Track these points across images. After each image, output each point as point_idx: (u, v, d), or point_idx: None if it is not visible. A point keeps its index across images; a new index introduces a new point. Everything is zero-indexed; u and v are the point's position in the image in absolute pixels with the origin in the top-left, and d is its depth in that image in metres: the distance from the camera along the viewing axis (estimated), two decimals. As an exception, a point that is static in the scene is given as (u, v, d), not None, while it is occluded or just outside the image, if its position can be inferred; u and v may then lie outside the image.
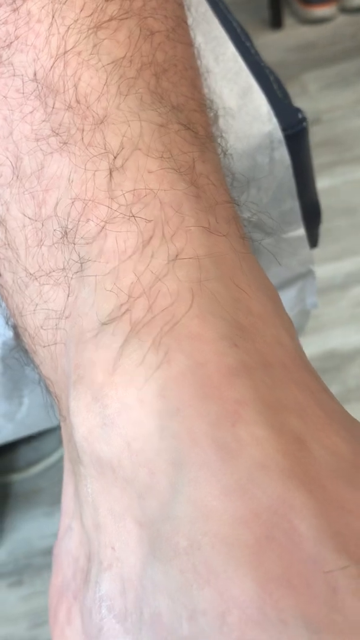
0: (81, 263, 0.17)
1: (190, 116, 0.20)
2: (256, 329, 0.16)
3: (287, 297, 0.30)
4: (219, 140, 0.21)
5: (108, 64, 0.19)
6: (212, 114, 0.22)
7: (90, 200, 0.17)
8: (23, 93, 0.19)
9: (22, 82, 0.19)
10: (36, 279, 0.19)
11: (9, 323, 0.22)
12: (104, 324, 0.16)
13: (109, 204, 0.17)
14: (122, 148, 0.18)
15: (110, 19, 0.20)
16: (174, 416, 0.14)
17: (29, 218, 0.19)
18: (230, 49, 0.27)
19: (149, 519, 0.15)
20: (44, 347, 0.19)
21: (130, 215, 0.17)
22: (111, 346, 0.16)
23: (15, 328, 0.21)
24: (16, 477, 0.92)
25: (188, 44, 0.22)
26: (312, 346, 0.85)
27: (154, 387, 0.15)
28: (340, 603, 0.12)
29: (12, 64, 0.19)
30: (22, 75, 0.19)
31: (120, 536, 0.16)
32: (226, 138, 0.25)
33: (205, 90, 0.25)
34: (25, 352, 0.21)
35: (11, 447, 0.87)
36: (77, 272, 0.17)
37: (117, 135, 0.18)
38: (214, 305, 0.16)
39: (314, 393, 0.15)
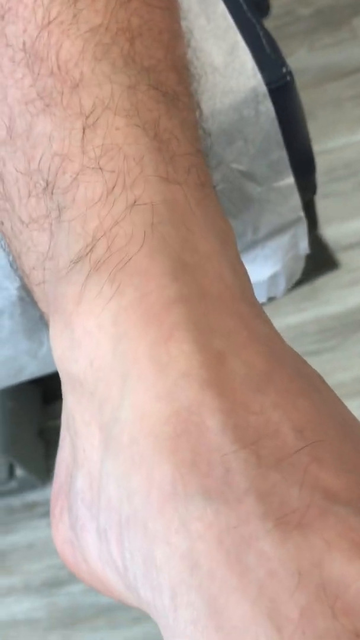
0: (59, 210, 0.20)
1: (161, 77, 0.22)
2: (199, 266, 0.18)
3: (281, 243, 0.32)
4: (193, 96, 0.24)
5: (86, 31, 0.21)
6: (188, 73, 0.24)
7: (66, 155, 0.20)
8: (14, 61, 0.22)
9: (14, 51, 0.22)
10: (27, 225, 0.22)
11: (14, 267, 0.25)
12: (73, 262, 0.19)
13: (81, 158, 0.20)
14: (95, 108, 0.20)
15: None
16: (122, 339, 0.17)
17: (21, 173, 0.22)
18: (220, 7, 0.28)
19: (106, 422, 0.18)
20: (37, 285, 0.22)
21: (98, 167, 0.20)
22: (78, 281, 0.19)
23: (17, 270, 0.24)
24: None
25: (165, 8, 0.23)
26: (354, 297, 0.86)
27: (108, 315, 0.18)
28: (231, 479, 0.14)
29: (5, 35, 0.22)
30: (14, 45, 0.22)
31: (89, 439, 0.19)
32: (207, 94, 0.26)
33: (190, 50, 0.27)
34: (29, 291, 0.25)
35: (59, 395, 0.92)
36: (56, 217, 0.20)
37: (91, 97, 0.21)
38: (162, 245, 0.18)
39: (244, 319, 0.18)
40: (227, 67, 0.27)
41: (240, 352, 0.17)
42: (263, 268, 0.33)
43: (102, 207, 0.19)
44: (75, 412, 0.19)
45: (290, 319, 0.80)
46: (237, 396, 0.16)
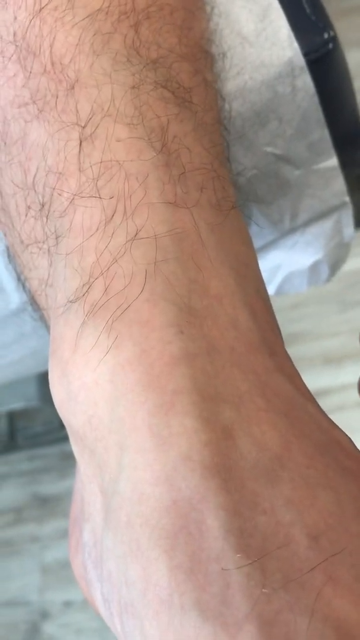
0: (56, 237, 0.18)
1: (171, 70, 0.19)
2: (209, 312, 0.16)
3: (323, 230, 0.28)
4: (212, 87, 0.20)
5: (83, 19, 0.18)
6: (207, 57, 0.21)
7: (61, 173, 0.18)
8: (4, 56, 0.19)
9: (4, 44, 0.19)
10: (27, 247, 0.20)
11: (21, 281, 0.23)
12: (70, 301, 0.17)
13: (77, 177, 0.17)
14: (93, 114, 0.18)
15: None
16: (120, 401, 0.15)
17: (18, 186, 0.19)
18: None
19: (105, 489, 0.16)
20: (42, 309, 0.20)
21: (96, 189, 0.17)
22: (74, 324, 0.17)
23: (25, 287, 0.22)
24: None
25: None
26: None
27: (105, 371, 0.16)
28: (230, 598, 0.13)
29: None
30: (3, 36, 0.19)
31: (92, 496, 0.17)
32: (234, 69, 0.23)
33: (214, 18, 0.23)
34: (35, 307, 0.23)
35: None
36: (54, 245, 0.18)
37: (88, 101, 0.18)
38: (166, 288, 0.16)
39: (259, 376, 0.15)
40: (258, 35, 0.24)
41: (251, 426, 0.14)
42: (304, 255, 0.30)
43: (100, 239, 0.17)
44: (80, 461, 0.18)
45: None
46: (245, 489, 0.13)
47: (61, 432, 0.92)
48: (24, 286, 0.23)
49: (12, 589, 0.90)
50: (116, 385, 0.15)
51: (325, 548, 0.13)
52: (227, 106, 0.22)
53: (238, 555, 0.13)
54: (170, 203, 0.17)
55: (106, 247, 0.16)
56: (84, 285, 0.17)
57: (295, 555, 0.13)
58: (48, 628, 0.87)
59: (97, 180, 0.17)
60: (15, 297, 0.28)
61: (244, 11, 0.24)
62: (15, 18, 0.19)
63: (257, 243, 0.29)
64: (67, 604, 0.87)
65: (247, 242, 0.18)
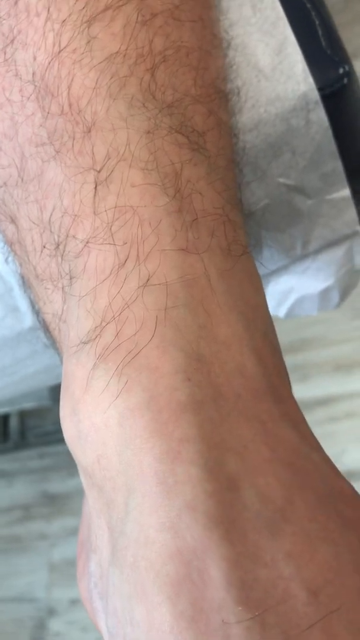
0: (70, 277, 0.18)
1: (186, 113, 0.19)
2: (217, 358, 0.16)
3: (335, 257, 0.28)
4: (227, 126, 0.21)
5: (101, 62, 0.19)
6: (222, 97, 0.21)
7: (77, 215, 0.18)
8: (24, 95, 0.19)
9: (23, 83, 0.19)
10: (41, 280, 0.20)
11: (35, 307, 0.23)
12: (82, 342, 0.17)
13: (92, 220, 0.18)
14: (108, 158, 0.18)
15: (106, 9, 0.19)
16: (129, 445, 0.16)
17: (34, 222, 0.20)
18: (269, -6, 0.24)
19: (113, 527, 0.16)
20: (55, 341, 0.21)
21: (110, 233, 0.17)
22: (86, 365, 0.17)
23: (39, 317, 0.23)
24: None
25: (197, 19, 0.20)
26: None
27: (115, 414, 0.16)
28: None
29: (15, 62, 0.20)
30: (23, 75, 0.19)
31: (99, 530, 0.18)
32: (250, 102, 0.23)
33: (231, 51, 0.23)
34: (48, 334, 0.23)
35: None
36: (68, 285, 0.18)
37: (104, 144, 0.18)
38: (175, 335, 0.16)
39: (265, 424, 0.16)
40: (274, 69, 0.24)
41: (256, 477, 0.15)
42: (315, 281, 0.30)
43: (113, 283, 0.17)
44: (88, 495, 0.18)
45: None
46: (247, 541, 0.14)
47: (71, 431, 0.93)
48: (37, 315, 0.23)
49: (19, 585, 0.91)
50: (125, 429, 0.16)
51: (324, 604, 0.13)
52: (241, 140, 0.23)
53: (239, 607, 0.13)
54: (182, 250, 0.17)
55: (118, 291, 0.17)
56: (96, 327, 0.17)
57: (294, 611, 0.13)
58: (54, 625, 0.88)
59: (112, 225, 0.17)
60: (29, 317, 0.28)
61: (260, 44, 0.24)
62: (35, 58, 0.19)
63: (269, 267, 0.30)
64: (74, 602, 0.88)
65: (257, 285, 0.18)
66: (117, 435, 0.16)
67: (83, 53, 0.19)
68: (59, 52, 0.19)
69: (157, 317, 0.16)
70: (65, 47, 0.19)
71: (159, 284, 0.17)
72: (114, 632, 0.17)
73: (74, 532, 0.91)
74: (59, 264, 0.19)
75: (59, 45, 0.19)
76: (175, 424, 0.15)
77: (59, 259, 0.19)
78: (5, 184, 0.20)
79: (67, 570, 0.90)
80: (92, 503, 0.18)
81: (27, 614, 0.89)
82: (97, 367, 0.17)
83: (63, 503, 0.93)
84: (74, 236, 0.18)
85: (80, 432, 0.17)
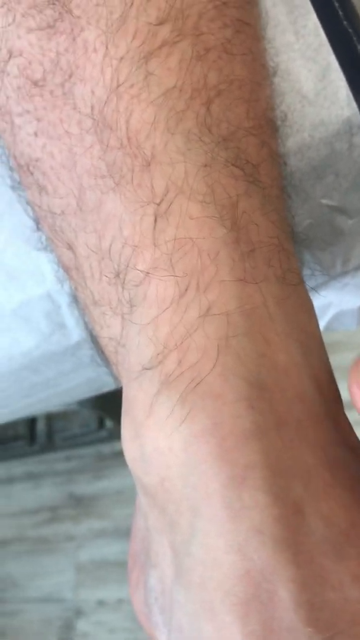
0: (131, 305, 0.19)
1: (240, 146, 0.20)
2: (277, 386, 0.17)
3: (375, 274, 0.29)
4: (278, 156, 0.21)
5: (158, 96, 0.19)
6: (272, 126, 0.22)
7: (137, 246, 0.19)
8: (82, 128, 0.20)
9: (81, 116, 0.20)
10: (99, 306, 0.21)
11: (88, 328, 0.24)
12: (145, 368, 0.18)
13: (152, 251, 0.19)
14: (167, 191, 0.19)
15: (162, 45, 0.20)
16: (194, 470, 0.16)
17: (92, 250, 0.20)
18: (312, 20, 0.25)
19: (177, 548, 0.17)
20: (112, 364, 0.22)
21: (170, 264, 0.18)
22: (148, 391, 0.18)
23: (91, 333, 0.24)
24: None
25: (247, 52, 0.21)
26: None
27: (179, 440, 0.17)
28: None
29: (73, 95, 0.20)
30: (81, 109, 0.20)
31: (161, 548, 0.18)
32: (294, 127, 0.24)
33: (277, 79, 0.24)
34: (102, 355, 0.24)
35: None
36: (128, 312, 0.19)
37: (163, 178, 0.19)
38: (236, 363, 0.17)
39: (326, 450, 0.16)
40: (317, 95, 0.24)
41: (319, 502, 0.15)
42: (353, 297, 0.30)
43: (174, 312, 0.18)
44: (148, 513, 0.19)
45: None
46: (314, 564, 0.15)
47: (97, 434, 0.94)
48: (91, 336, 0.24)
49: (47, 585, 0.92)
50: (189, 455, 0.16)
51: None
52: (288, 167, 0.23)
53: (309, 628, 0.14)
54: (240, 280, 0.18)
55: (180, 320, 0.17)
56: (158, 354, 0.18)
57: None
58: (82, 625, 0.89)
59: (172, 256, 0.18)
60: (75, 333, 0.29)
61: (303, 70, 0.25)
62: (93, 93, 0.20)
63: (309, 284, 0.30)
64: (101, 603, 0.89)
65: (311, 313, 0.19)
66: (182, 460, 0.17)
67: (141, 88, 0.19)
68: (117, 87, 0.20)
69: (218, 345, 0.17)
70: (123, 83, 0.20)
71: (219, 314, 0.17)
72: None
73: (100, 534, 0.93)
74: (119, 292, 0.19)
75: (117, 80, 0.20)
76: (240, 450, 0.16)
77: (120, 287, 0.19)
78: (63, 212, 0.21)
79: (93, 571, 0.91)
80: (152, 522, 0.19)
81: (54, 614, 0.90)
82: (160, 393, 0.17)
83: (89, 505, 0.94)
84: (134, 266, 0.19)
85: (143, 455, 0.18)
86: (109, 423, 0.92)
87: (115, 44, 0.20)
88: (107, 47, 0.20)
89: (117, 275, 0.19)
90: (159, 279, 0.18)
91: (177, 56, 0.20)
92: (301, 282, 0.19)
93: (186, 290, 0.18)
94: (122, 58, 0.20)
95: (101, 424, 0.93)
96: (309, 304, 0.19)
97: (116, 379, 0.23)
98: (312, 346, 0.18)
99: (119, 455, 0.96)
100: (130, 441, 0.18)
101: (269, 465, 0.16)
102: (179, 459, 0.17)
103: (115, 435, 0.95)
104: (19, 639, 0.90)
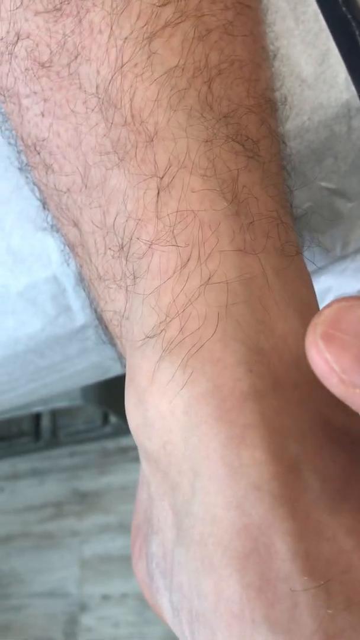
0: (134, 277, 0.20)
1: (241, 123, 0.20)
2: (275, 351, 0.17)
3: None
4: (277, 134, 0.22)
5: (161, 75, 0.20)
6: (272, 106, 0.22)
7: (140, 219, 0.19)
8: (88, 107, 0.21)
9: (87, 95, 0.21)
10: (104, 280, 0.21)
11: (92, 305, 0.25)
12: (147, 337, 0.19)
13: (155, 224, 0.19)
14: (170, 166, 0.19)
15: (165, 26, 0.20)
16: (194, 431, 0.17)
17: (97, 226, 0.21)
18: (311, 7, 0.25)
19: (178, 509, 0.18)
20: (115, 338, 0.22)
21: (172, 236, 0.19)
22: (151, 358, 0.18)
23: (96, 310, 0.24)
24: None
25: (248, 34, 0.22)
26: None
27: (180, 402, 0.17)
28: (298, 615, 0.14)
29: (78, 76, 0.21)
30: (87, 88, 0.21)
31: (162, 513, 0.19)
32: (294, 110, 0.25)
33: (277, 62, 0.24)
34: (106, 331, 0.24)
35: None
36: (131, 284, 0.20)
37: (166, 153, 0.19)
38: (236, 329, 0.17)
39: (321, 412, 0.17)
40: (317, 79, 0.25)
41: (315, 459, 0.16)
42: (352, 280, 0.31)
43: (176, 281, 0.18)
44: (150, 479, 0.20)
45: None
46: (310, 518, 0.15)
47: (101, 430, 0.95)
48: (95, 313, 0.25)
49: (52, 580, 0.93)
50: (190, 416, 0.17)
51: None
52: (288, 148, 0.24)
53: (304, 577, 0.14)
54: (240, 250, 0.18)
55: (182, 289, 0.18)
56: (160, 323, 0.18)
57: (357, 581, 0.14)
58: (86, 620, 0.89)
59: (174, 228, 0.19)
60: (80, 316, 0.30)
61: (303, 55, 0.25)
62: (98, 72, 0.21)
63: (309, 268, 0.31)
64: (105, 598, 0.90)
65: (309, 284, 0.19)
66: (183, 423, 0.17)
67: (144, 67, 0.20)
68: (122, 66, 0.20)
69: (218, 313, 0.18)
70: (127, 62, 0.20)
71: (219, 282, 0.18)
72: (179, 607, 0.18)
73: (104, 529, 0.93)
74: (122, 265, 0.20)
75: (122, 60, 0.20)
76: (239, 411, 0.16)
77: (123, 260, 0.20)
78: (68, 190, 0.22)
79: (98, 566, 0.92)
80: (154, 487, 0.19)
81: (59, 609, 0.91)
82: (162, 359, 0.18)
83: (93, 501, 0.95)
84: (138, 239, 0.19)
85: (146, 420, 0.18)
86: (113, 419, 0.93)
87: (119, 25, 0.20)
88: (112, 28, 0.20)
89: (121, 248, 0.20)
90: (162, 250, 0.19)
91: (180, 36, 0.20)
92: (299, 253, 0.20)
93: (188, 260, 0.18)
94: (126, 38, 0.20)
95: (105, 420, 0.94)
96: (306, 275, 0.20)
97: (120, 356, 0.24)
98: (309, 315, 0.19)
99: (124, 451, 0.97)
100: (133, 408, 0.19)
101: (266, 425, 0.16)
102: (180, 421, 0.17)
103: (119, 431, 0.96)
104: (24, 634, 0.90)
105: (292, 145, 0.25)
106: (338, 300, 0.15)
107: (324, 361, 0.14)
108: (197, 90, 0.20)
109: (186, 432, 0.17)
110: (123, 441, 0.97)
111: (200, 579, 0.16)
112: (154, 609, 0.23)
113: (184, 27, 0.20)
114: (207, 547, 0.16)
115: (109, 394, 0.87)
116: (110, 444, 0.97)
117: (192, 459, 0.17)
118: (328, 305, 0.15)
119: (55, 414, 0.95)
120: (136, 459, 0.95)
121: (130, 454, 0.96)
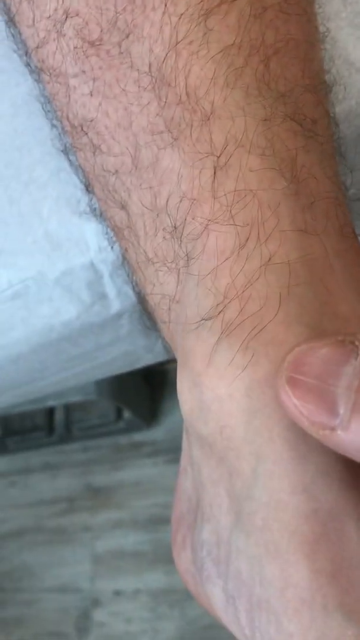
0: (188, 258, 0.19)
1: (298, 102, 0.20)
2: (338, 334, 0.17)
3: None
4: (330, 115, 0.21)
5: (217, 53, 0.20)
6: (325, 88, 0.22)
7: (195, 199, 0.19)
8: (139, 85, 0.20)
9: (139, 74, 0.20)
10: (153, 263, 0.21)
11: (135, 290, 0.24)
12: (203, 319, 0.18)
13: (211, 203, 0.19)
14: (227, 145, 0.19)
15: (221, 3, 0.20)
16: (256, 415, 0.17)
17: (147, 207, 0.21)
18: (360, -11, 0.25)
19: (236, 494, 0.17)
20: (161, 322, 0.22)
21: (230, 216, 0.18)
22: (208, 340, 0.18)
23: (139, 295, 0.24)
24: (174, 365, 0.99)
25: (302, 13, 0.21)
26: None
27: (241, 386, 0.17)
28: None
29: (130, 54, 0.21)
30: (139, 67, 0.20)
31: (216, 499, 0.19)
32: (341, 94, 0.24)
33: (327, 46, 0.24)
34: (149, 314, 0.24)
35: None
36: (184, 265, 0.19)
37: (222, 132, 0.19)
38: (299, 311, 0.17)
39: None
40: (366, 62, 0.25)
41: None
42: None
43: (234, 262, 0.18)
44: (202, 465, 0.19)
45: None
46: None
47: (115, 426, 0.95)
48: (138, 296, 0.24)
49: (64, 575, 0.92)
50: (252, 400, 0.17)
51: None
52: (340, 132, 0.23)
53: None
54: (301, 230, 0.18)
55: (241, 270, 0.18)
56: (218, 304, 0.18)
57: None
58: (98, 615, 0.89)
59: (231, 208, 0.18)
60: (116, 304, 0.30)
61: (351, 38, 0.25)
62: (152, 51, 0.20)
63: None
64: (117, 593, 0.90)
65: None
66: (244, 406, 0.17)
67: (200, 45, 0.20)
68: (176, 44, 0.20)
69: (280, 294, 0.17)
70: (182, 40, 0.20)
71: (280, 263, 0.17)
72: (235, 594, 0.18)
73: (117, 524, 0.93)
74: (175, 247, 0.20)
75: (176, 37, 0.20)
76: None
77: (177, 241, 0.20)
78: (117, 171, 0.21)
79: (110, 562, 0.91)
80: (207, 473, 0.19)
81: (72, 604, 0.91)
82: (220, 342, 0.17)
83: (106, 496, 0.95)
84: (193, 219, 0.19)
85: (201, 404, 0.18)
86: (126, 414, 0.92)
87: (174, 2, 0.20)
88: (166, 5, 0.20)
89: (175, 229, 0.19)
90: (219, 231, 0.18)
91: (236, 14, 0.20)
92: (356, 237, 0.19)
93: (247, 241, 0.18)
94: (181, 15, 0.20)
95: (119, 415, 0.94)
96: None
97: (165, 341, 0.23)
98: None
99: (137, 446, 0.96)
100: (187, 392, 0.19)
101: None
102: (241, 405, 0.17)
103: (133, 426, 0.95)
104: (36, 628, 0.90)
105: (339, 130, 0.25)
106: (299, 343, 0.16)
107: (293, 406, 0.15)
108: (253, 69, 0.20)
109: (247, 415, 0.17)
110: (136, 437, 0.97)
111: (264, 565, 0.16)
112: (198, 599, 0.22)
113: (239, 4, 0.20)
114: (271, 531, 0.16)
115: (123, 389, 0.87)
116: (124, 440, 0.97)
117: (254, 443, 0.17)
118: (291, 349, 0.16)
119: (68, 408, 0.95)
120: (149, 455, 0.94)
121: (144, 449, 0.96)
